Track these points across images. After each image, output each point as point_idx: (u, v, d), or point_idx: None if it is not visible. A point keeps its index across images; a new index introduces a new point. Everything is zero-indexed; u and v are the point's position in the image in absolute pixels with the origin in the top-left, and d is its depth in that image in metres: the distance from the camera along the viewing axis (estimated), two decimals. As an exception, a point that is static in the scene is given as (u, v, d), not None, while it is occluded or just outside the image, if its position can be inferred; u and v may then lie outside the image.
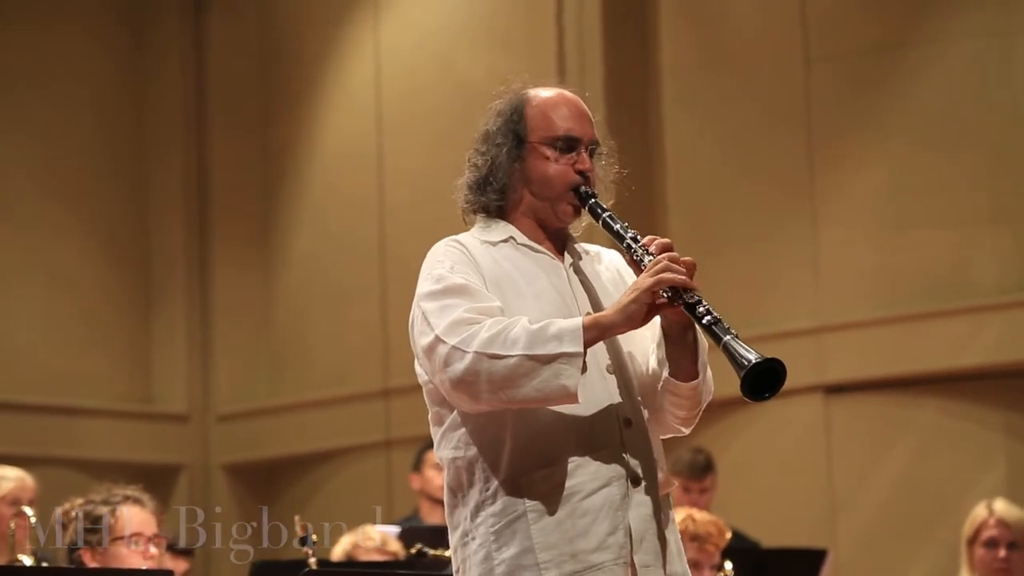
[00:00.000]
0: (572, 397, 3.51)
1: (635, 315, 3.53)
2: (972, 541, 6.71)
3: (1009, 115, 9.13)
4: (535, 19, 10.25)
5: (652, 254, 3.60)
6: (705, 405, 3.74)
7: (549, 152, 3.75)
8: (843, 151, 9.51)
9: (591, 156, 3.78)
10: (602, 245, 3.91)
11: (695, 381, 3.66)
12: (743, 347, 3.46)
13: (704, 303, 3.53)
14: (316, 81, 11.18)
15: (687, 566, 3.74)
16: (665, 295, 3.53)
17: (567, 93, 3.83)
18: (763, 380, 3.46)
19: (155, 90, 11.42)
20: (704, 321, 3.51)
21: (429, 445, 7.34)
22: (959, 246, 9.16)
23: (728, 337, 3.47)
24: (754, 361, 3.43)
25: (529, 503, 3.57)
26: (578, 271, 3.79)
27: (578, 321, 3.52)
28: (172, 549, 6.63)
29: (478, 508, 3.62)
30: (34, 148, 10.94)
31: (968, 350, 9.06)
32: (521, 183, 3.76)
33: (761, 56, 9.77)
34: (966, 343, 9.06)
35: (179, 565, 6.66)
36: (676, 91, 10.00)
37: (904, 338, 9.20)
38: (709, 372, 3.71)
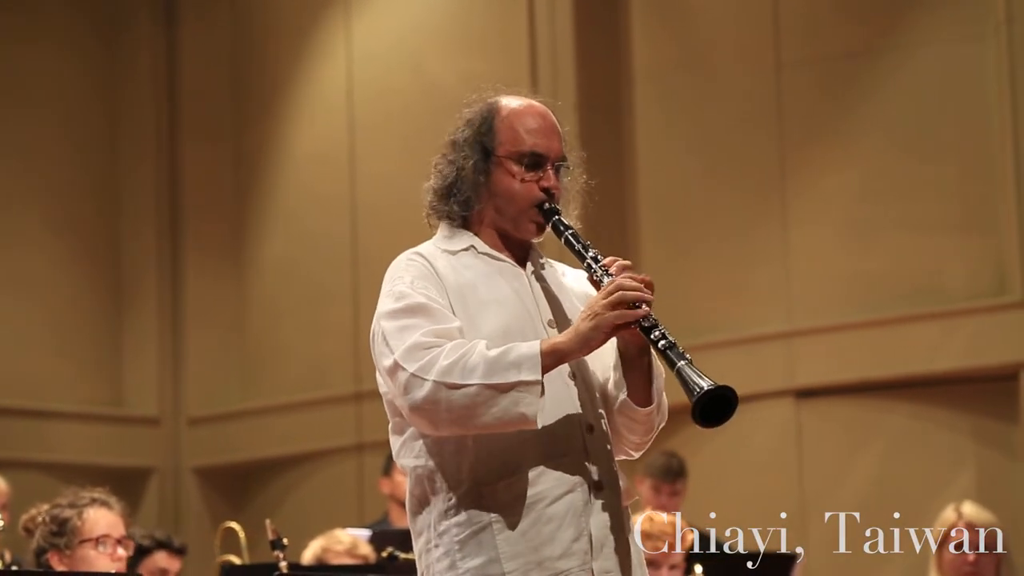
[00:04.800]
0: (531, 424, 3.49)
1: (592, 341, 3.53)
2: (941, 544, 6.72)
3: (979, 121, 9.16)
4: (507, 23, 10.25)
5: (611, 276, 3.59)
6: (657, 432, 3.74)
7: (515, 168, 3.72)
8: (815, 155, 9.54)
9: (557, 172, 3.75)
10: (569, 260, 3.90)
11: (649, 407, 3.66)
12: (696, 373, 3.45)
13: (660, 327, 3.52)
14: (288, 86, 11.16)
15: (647, 573, 3.74)
16: None
17: (537, 105, 3.79)
18: (714, 407, 3.45)
19: (126, 97, 11.39)
20: (660, 345, 3.51)
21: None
22: (929, 251, 9.19)
23: (682, 363, 3.46)
24: (705, 388, 3.42)
25: (493, 512, 3.56)
26: (540, 279, 3.78)
27: (536, 347, 3.51)
28: (168, 548, 6.61)
29: (441, 517, 3.61)
30: (4, 155, 10.90)
31: (938, 355, 9.08)
32: (486, 196, 3.73)
33: (733, 60, 9.79)
34: (936, 348, 9.08)
35: (173, 564, 6.64)
36: (648, 94, 10.01)
37: (875, 342, 9.22)
38: (664, 399, 3.71)
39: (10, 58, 10.96)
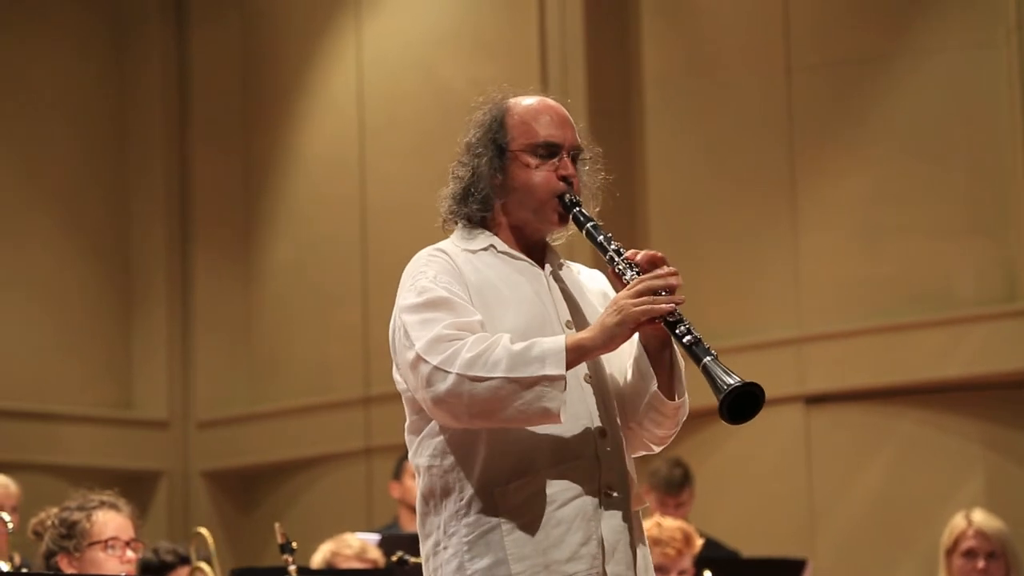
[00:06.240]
0: (555, 418, 3.49)
1: (617, 337, 3.52)
2: (951, 551, 6.70)
3: (989, 126, 9.16)
4: (517, 28, 10.26)
5: (635, 267, 3.58)
6: (680, 426, 3.73)
7: (531, 159, 3.71)
8: (824, 160, 9.53)
9: (574, 162, 3.74)
10: (584, 252, 3.90)
11: (679, 400, 3.65)
12: (723, 370, 3.44)
13: (685, 322, 3.51)
14: (298, 89, 11.17)
15: None
16: None
17: (548, 100, 3.79)
18: (742, 404, 3.44)
19: (136, 98, 11.40)
20: (684, 340, 3.50)
21: (409, 453, 7.33)
22: (939, 257, 9.18)
23: (708, 359, 3.45)
24: (733, 385, 3.40)
25: (503, 514, 3.56)
26: (558, 279, 3.77)
27: (560, 342, 3.50)
28: (191, 563, 6.59)
29: (452, 518, 3.61)
30: (15, 157, 10.91)
31: (948, 361, 9.07)
32: (504, 193, 3.73)
33: (743, 65, 9.78)
34: (946, 354, 9.07)
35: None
36: (658, 99, 10.01)
37: (885, 349, 9.21)
38: (686, 395, 3.69)
39: (21, 59, 10.97)
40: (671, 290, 3.53)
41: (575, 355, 3.51)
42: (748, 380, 3.43)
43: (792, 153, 9.60)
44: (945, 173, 9.22)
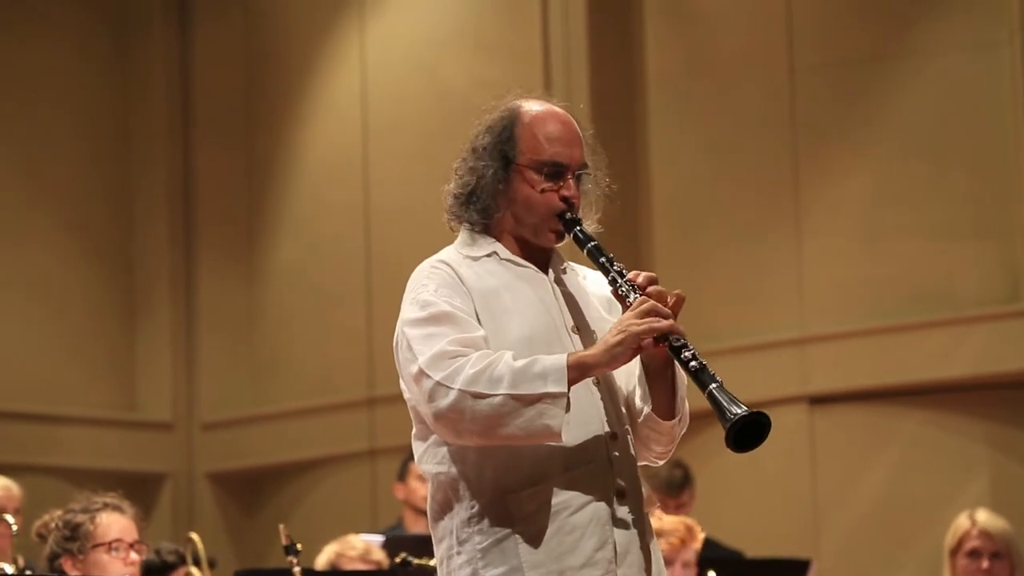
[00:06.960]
0: (556, 436, 3.49)
1: (620, 356, 3.52)
2: (955, 551, 6.70)
3: (992, 127, 9.16)
4: (520, 30, 10.26)
5: (637, 289, 3.58)
6: (679, 440, 3.74)
7: (535, 177, 3.69)
8: (828, 161, 9.53)
9: (578, 180, 3.73)
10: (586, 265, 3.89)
11: (673, 420, 3.66)
12: (729, 398, 3.45)
13: (689, 347, 3.52)
14: (301, 90, 11.17)
15: None
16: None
17: (559, 111, 3.77)
18: (748, 432, 3.45)
19: (139, 99, 11.40)
20: (690, 366, 3.51)
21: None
22: (942, 257, 9.18)
23: (713, 386, 3.46)
24: (740, 415, 3.42)
25: (516, 521, 3.56)
26: (562, 284, 3.77)
27: (563, 359, 3.50)
28: (194, 563, 6.59)
29: (464, 524, 3.60)
30: (16, 157, 10.91)
31: (951, 362, 9.08)
32: (505, 204, 3.72)
33: (746, 66, 9.79)
34: (949, 354, 9.07)
35: None
36: (661, 100, 10.01)
37: (888, 349, 9.21)
38: (687, 407, 3.70)
39: (25, 60, 10.97)
40: (674, 311, 3.54)
41: (577, 373, 3.50)
42: (755, 409, 3.44)
43: (795, 154, 9.61)
44: (948, 174, 9.22)
